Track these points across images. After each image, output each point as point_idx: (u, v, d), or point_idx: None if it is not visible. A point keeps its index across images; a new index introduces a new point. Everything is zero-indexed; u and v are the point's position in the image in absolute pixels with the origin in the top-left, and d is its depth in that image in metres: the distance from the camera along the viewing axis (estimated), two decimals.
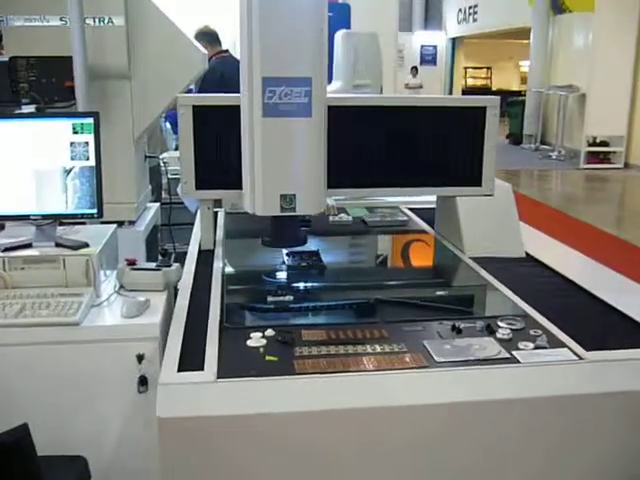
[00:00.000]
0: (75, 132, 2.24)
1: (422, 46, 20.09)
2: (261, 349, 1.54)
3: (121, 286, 2.28)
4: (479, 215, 2.41)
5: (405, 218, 2.84)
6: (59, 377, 1.94)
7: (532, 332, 1.67)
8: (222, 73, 4.53)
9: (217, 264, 2.22)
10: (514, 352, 1.56)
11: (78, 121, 2.25)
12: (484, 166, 2.35)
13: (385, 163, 2.25)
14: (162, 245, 4.54)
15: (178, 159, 2.30)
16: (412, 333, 1.65)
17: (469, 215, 2.41)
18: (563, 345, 1.61)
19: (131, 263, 2.39)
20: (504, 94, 19.01)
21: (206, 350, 1.55)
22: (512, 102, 15.32)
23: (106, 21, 2.97)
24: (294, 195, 1.94)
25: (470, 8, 17.24)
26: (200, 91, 4.37)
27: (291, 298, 1.89)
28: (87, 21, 2.91)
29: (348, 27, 7.39)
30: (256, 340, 1.58)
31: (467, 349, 1.56)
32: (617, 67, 10.88)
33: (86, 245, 2.24)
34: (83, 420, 1.93)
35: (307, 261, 2.13)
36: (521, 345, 1.59)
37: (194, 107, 2.21)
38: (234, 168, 2.20)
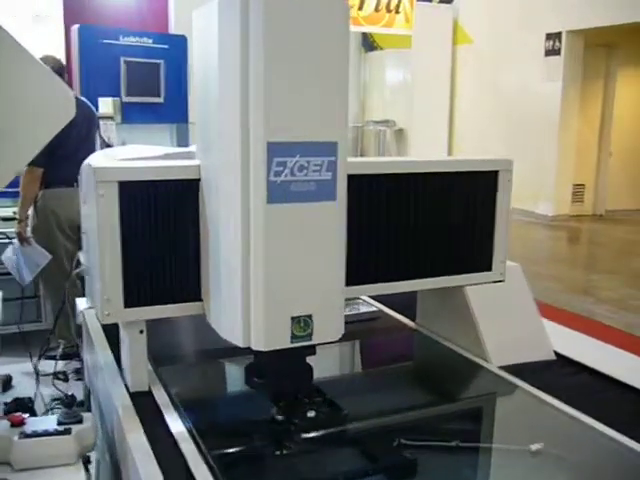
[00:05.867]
0: None
1: None
2: None
3: (5, 463, 1.50)
4: (494, 308, 1.89)
5: (373, 309, 2.23)
6: None
7: None
8: None
9: (175, 426, 1.44)
10: None
11: None
12: (495, 245, 1.85)
13: (368, 250, 1.61)
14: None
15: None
16: None
17: (482, 310, 1.87)
18: None
19: (17, 423, 1.57)
20: None
21: None
22: None
23: None
24: (310, 317, 1.30)
25: None
26: None
27: None
28: None
29: (185, 60, 6.66)
30: None
31: None
32: (435, 102, 11.22)
33: None
34: None
35: (316, 407, 1.42)
36: None
37: (122, 184, 1.45)
38: (188, 272, 1.50)
